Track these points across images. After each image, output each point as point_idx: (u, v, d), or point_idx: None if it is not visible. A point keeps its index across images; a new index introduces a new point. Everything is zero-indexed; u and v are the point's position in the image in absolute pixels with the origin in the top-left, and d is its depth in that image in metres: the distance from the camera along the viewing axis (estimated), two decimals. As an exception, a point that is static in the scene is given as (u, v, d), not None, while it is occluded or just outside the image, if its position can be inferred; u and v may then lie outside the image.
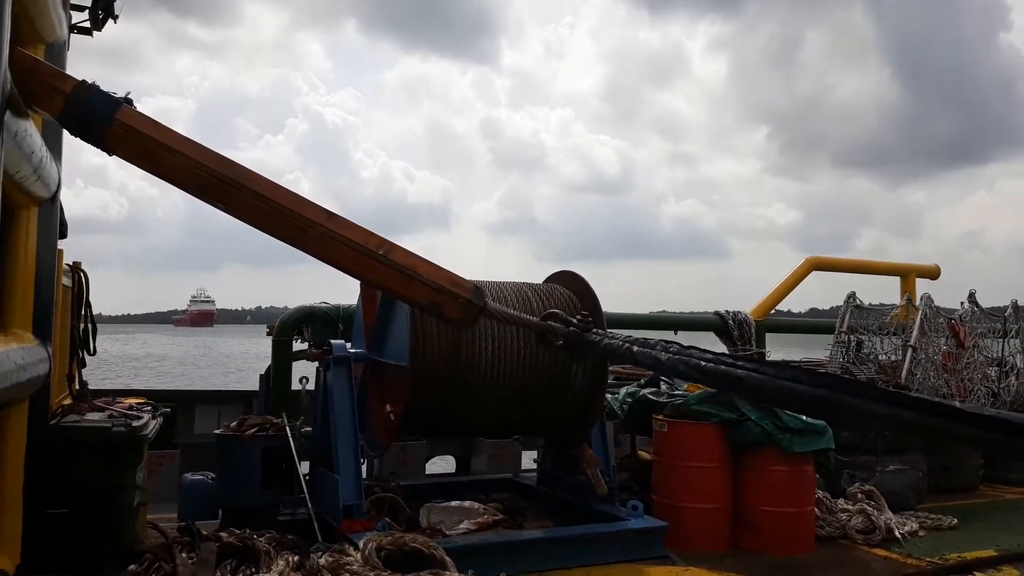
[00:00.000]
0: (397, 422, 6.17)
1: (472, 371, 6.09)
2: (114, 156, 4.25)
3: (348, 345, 6.47)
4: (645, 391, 7.63)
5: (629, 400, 7.59)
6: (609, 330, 5.18)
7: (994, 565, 5.92)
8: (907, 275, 12.60)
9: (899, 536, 6.56)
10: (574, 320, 4.81)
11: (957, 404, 4.34)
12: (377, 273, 4.51)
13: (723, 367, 4.07)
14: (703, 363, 4.11)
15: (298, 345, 8.10)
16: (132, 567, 4.52)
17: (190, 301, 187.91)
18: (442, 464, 10.12)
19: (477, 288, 4.73)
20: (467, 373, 6.08)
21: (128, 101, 4.25)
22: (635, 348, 4.47)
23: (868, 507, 6.84)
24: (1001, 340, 10.00)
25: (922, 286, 12.22)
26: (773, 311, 12.34)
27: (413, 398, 5.95)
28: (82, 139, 4.21)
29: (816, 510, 6.58)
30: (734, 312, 10.87)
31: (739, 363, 4.10)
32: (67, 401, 5.43)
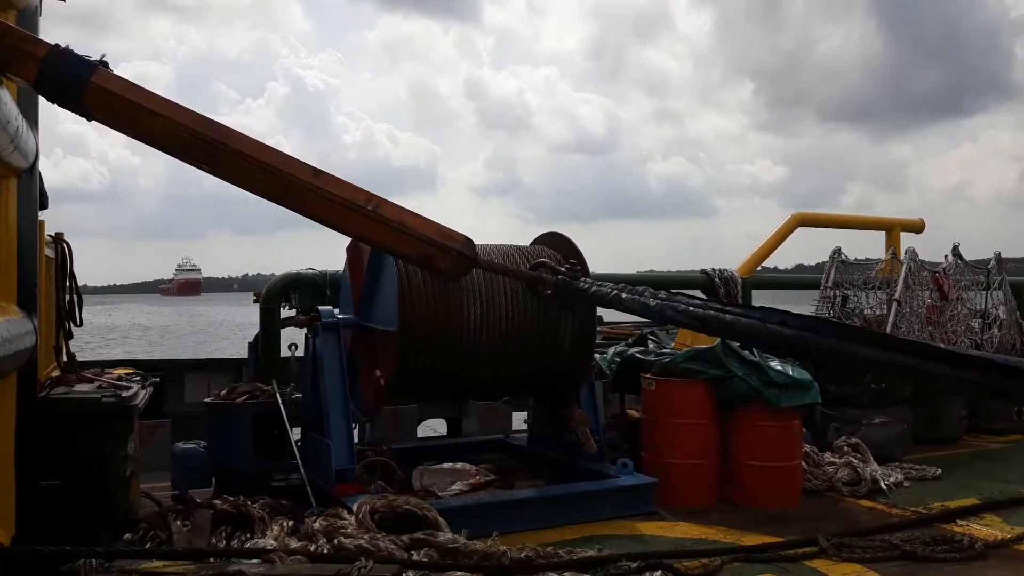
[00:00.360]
0: (387, 386, 6.19)
1: (461, 333, 6.11)
2: (93, 121, 4.20)
3: (336, 311, 6.48)
4: (633, 350, 7.68)
5: (617, 359, 7.64)
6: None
7: (976, 513, 6.06)
8: (892, 229, 12.63)
9: (884, 487, 6.68)
10: (562, 268, 4.82)
11: (943, 346, 4.40)
12: (366, 228, 4.49)
13: (712, 311, 4.10)
14: (691, 308, 4.14)
15: (285, 312, 8.08)
16: (127, 536, 4.55)
17: (176, 270, 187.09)
18: (433, 427, 10.19)
19: (468, 240, 4.72)
20: (456, 335, 6.10)
21: (104, 64, 4.17)
22: (623, 295, 4.50)
23: (854, 460, 6.96)
24: (984, 292, 10.09)
25: (907, 240, 12.26)
26: (760, 268, 12.38)
27: (402, 362, 5.98)
28: (59, 104, 4.15)
29: (803, 464, 6.69)
30: (720, 270, 10.90)
31: (727, 308, 4.14)
32: (55, 373, 5.42)
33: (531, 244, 7.07)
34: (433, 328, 6.00)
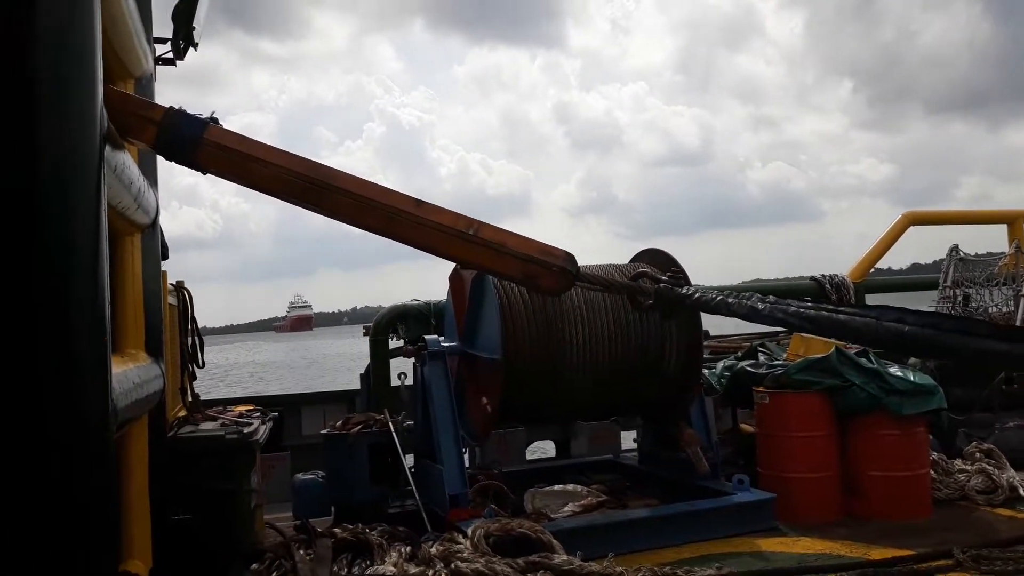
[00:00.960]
0: (494, 413, 6.26)
1: (564, 357, 6.12)
2: (208, 174, 4.45)
3: (441, 339, 6.61)
4: (743, 363, 7.50)
5: (727, 374, 7.47)
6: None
7: None
8: (1014, 221, 11.95)
9: (1024, 494, 6.28)
10: (663, 277, 4.77)
11: None
12: (469, 253, 4.58)
13: (824, 312, 3.97)
14: (802, 310, 4.02)
15: (394, 343, 8.29)
16: (254, 566, 4.73)
17: (289, 307, 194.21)
18: (543, 449, 10.20)
19: (569, 255, 4.74)
20: (559, 359, 6.12)
21: (215, 120, 4.43)
22: (730, 300, 4.40)
23: (988, 466, 6.58)
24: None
25: (1032, 232, 11.59)
26: (872, 271, 11.93)
27: (507, 389, 6.03)
28: (176, 162, 4.42)
29: (932, 472, 6.36)
30: (831, 276, 10.57)
31: (840, 308, 3.99)
32: (182, 413, 5.72)
33: (630, 262, 7.04)
34: (537, 354, 6.03)
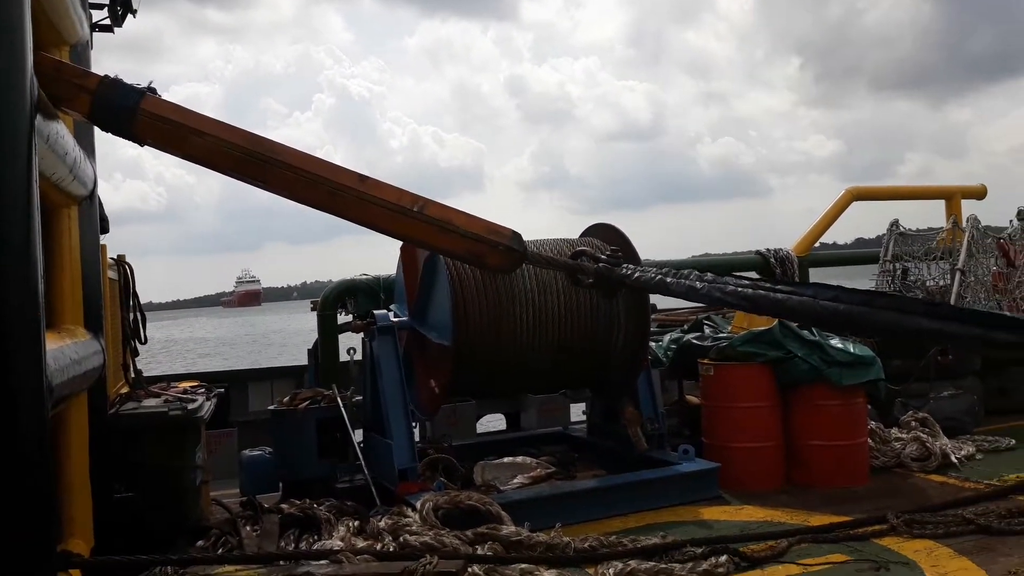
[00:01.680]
0: (442, 394, 6.31)
1: (515, 339, 6.13)
2: (146, 146, 4.34)
3: (391, 314, 6.57)
4: (689, 336, 7.62)
5: (673, 346, 7.59)
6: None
7: (1055, 483, 5.87)
8: (952, 197, 12.27)
9: (955, 461, 6.52)
10: (603, 256, 4.79)
11: (1005, 312, 4.26)
12: (414, 230, 4.55)
13: (762, 291, 4.03)
14: (739, 288, 4.07)
15: (342, 318, 8.22)
16: (200, 543, 4.70)
17: (236, 282, 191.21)
18: (492, 422, 10.26)
19: (515, 234, 4.73)
20: (510, 342, 6.13)
21: (152, 90, 4.32)
22: (668, 279, 4.43)
23: (923, 434, 6.81)
24: (1054, 255, 9.74)
25: (969, 207, 11.91)
26: (817, 245, 12.16)
27: (456, 374, 6.05)
28: (112, 133, 4.30)
29: (870, 441, 6.56)
30: (775, 250, 10.75)
31: (778, 287, 4.06)
32: (124, 390, 5.62)
33: (580, 236, 7.07)
34: (488, 338, 6.03)
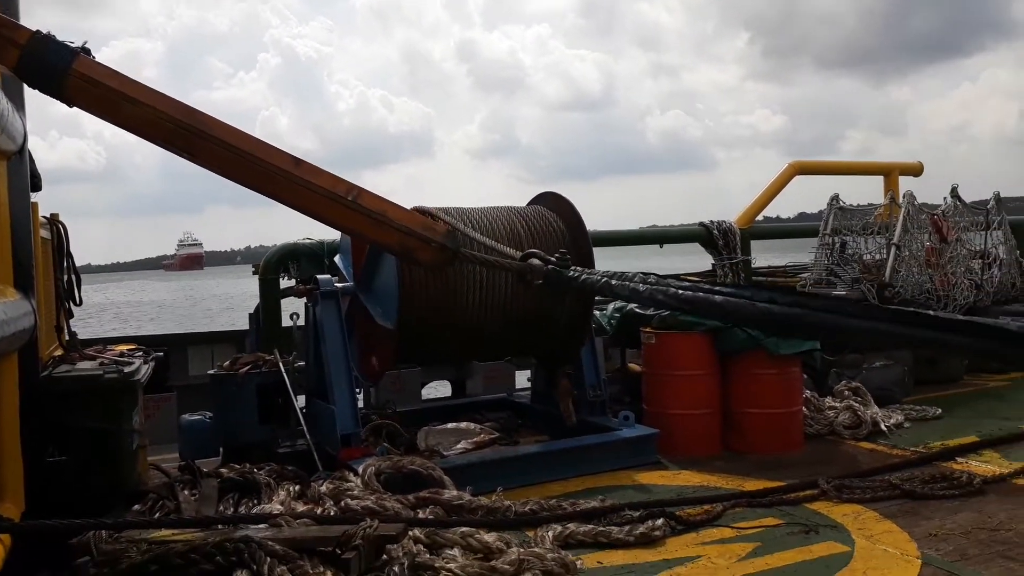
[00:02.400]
0: (382, 371, 6.38)
1: (461, 315, 6.13)
2: (75, 107, 4.21)
3: (335, 280, 6.51)
4: (632, 305, 7.70)
5: (617, 315, 7.68)
6: (588, 270, 5.16)
7: (975, 450, 6.13)
8: (890, 173, 12.60)
9: (885, 429, 6.76)
10: (552, 258, 4.83)
11: (931, 312, 4.46)
12: (347, 219, 4.53)
13: (701, 294, 4.13)
14: (680, 291, 4.17)
15: (285, 282, 8.12)
16: (136, 507, 4.63)
17: (178, 245, 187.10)
18: (438, 388, 10.29)
19: (450, 231, 4.75)
20: (456, 318, 6.13)
21: (85, 51, 4.18)
22: (613, 281, 4.52)
23: (855, 403, 7.03)
24: (984, 232, 10.08)
25: (906, 184, 12.22)
26: (761, 218, 12.37)
27: (399, 353, 6.04)
28: (40, 90, 4.16)
29: (804, 409, 6.76)
30: (718, 222, 10.89)
31: (716, 288, 4.17)
32: (58, 352, 5.47)
33: (528, 204, 7.07)
34: (433, 316, 6.01)
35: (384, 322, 6.12)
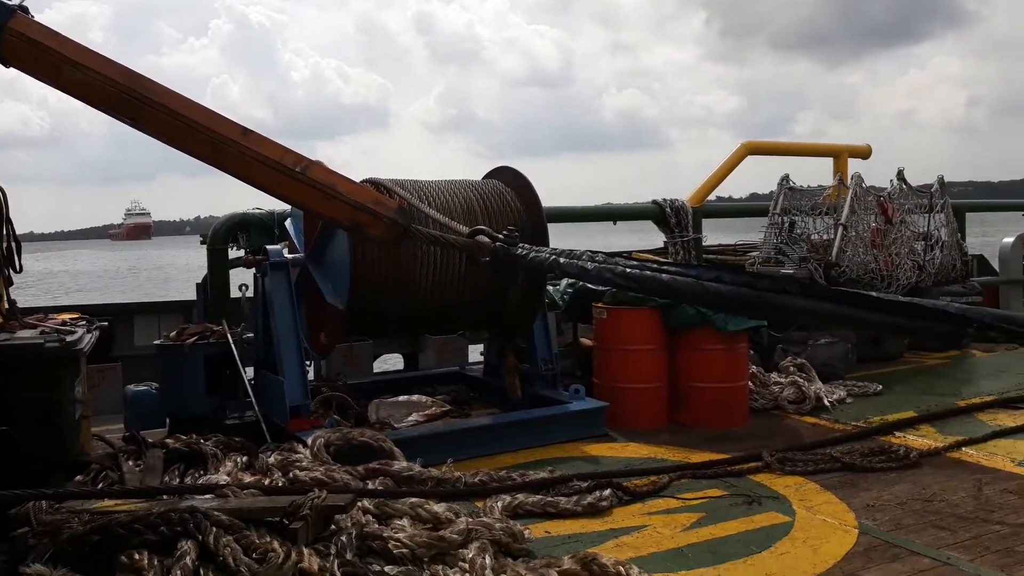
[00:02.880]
0: (330, 346, 6.38)
1: (414, 295, 6.10)
2: (11, 68, 4.07)
3: (285, 250, 6.42)
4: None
5: (569, 291, 7.72)
6: (537, 246, 5.16)
7: (913, 425, 6.33)
8: (839, 155, 12.78)
9: (828, 404, 6.93)
10: (500, 236, 4.81)
11: (874, 294, 4.58)
12: (296, 192, 4.45)
13: (649, 272, 4.17)
14: (628, 270, 4.20)
15: (234, 253, 7.98)
16: (78, 478, 4.54)
17: (125, 214, 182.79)
18: (390, 362, 10.26)
19: (401, 208, 4.69)
20: (408, 298, 6.11)
21: (23, 9, 4.04)
22: (561, 260, 4.54)
23: (799, 379, 7.19)
24: (927, 215, 10.31)
25: (854, 166, 12.43)
26: (714, 198, 12.47)
27: (350, 330, 5.99)
28: None
29: (750, 384, 6.90)
30: (671, 200, 10.96)
31: (664, 268, 4.21)
32: (-3, 320, 5.32)
33: (484, 178, 7.04)
34: (385, 294, 5.97)
35: (334, 301, 6.06)
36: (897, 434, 6.09)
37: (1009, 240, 12.79)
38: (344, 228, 4.92)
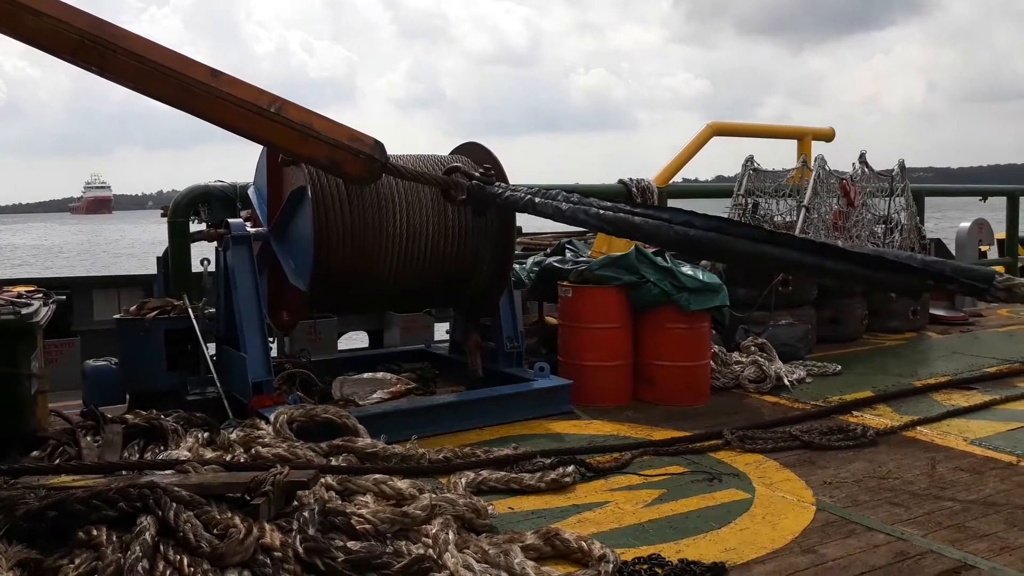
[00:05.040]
0: (293, 324, 6.36)
1: (379, 276, 6.07)
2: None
3: (248, 224, 6.33)
4: (551, 259, 7.78)
5: (536, 269, 7.74)
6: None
7: (870, 404, 6.45)
8: (803, 138, 12.90)
9: (788, 383, 7.02)
10: (476, 173, 4.77)
11: (840, 244, 4.62)
12: (271, 132, 4.32)
13: (621, 214, 4.16)
14: (602, 211, 4.19)
15: (196, 226, 7.85)
16: (35, 453, 4.47)
17: (84, 188, 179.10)
18: (355, 339, 10.21)
19: (378, 143, 4.59)
20: (373, 279, 6.07)
21: None
22: (536, 199, 4.51)
23: (760, 358, 7.28)
24: (888, 199, 10.47)
25: (818, 149, 12.56)
26: (680, 180, 12.52)
27: (313, 308, 5.95)
28: None
29: (712, 363, 6.97)
30: (638, 180, 10.98)
31: (636, 210, 4.20)
32: (-52, 292, 5.19)
33: (450, 154, 6.99)
34: (349, 275, 5.92)
35: (297, 282, 6.00)
36: (855, 413, 6.20)
37: (966, 225, 13.07)
38: (322, 167, 4.80)
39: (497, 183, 4.82)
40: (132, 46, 3.95)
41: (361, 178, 4.66)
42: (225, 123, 4.25)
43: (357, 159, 4.43)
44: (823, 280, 8.14)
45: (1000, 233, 13.98)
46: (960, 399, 6.57)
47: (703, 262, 8.51)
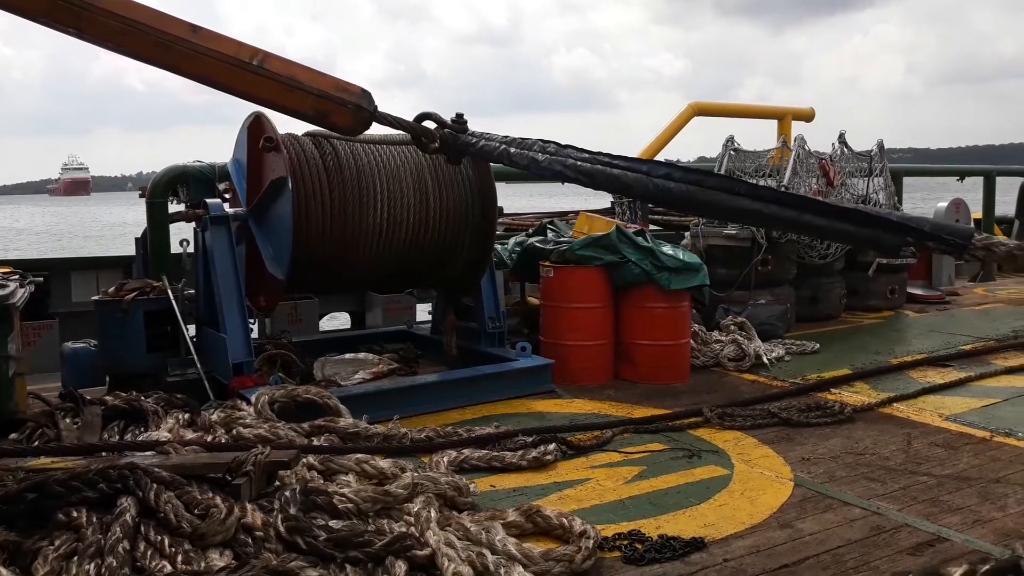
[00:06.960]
0: (271, 308, 6.37)
1: (359, 259, 6.05)
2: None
3: (227, 205, 6.28)
4: (533, 240, 7.78)
5: (518, 249, 7.74)
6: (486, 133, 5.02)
7: (848, 381, 6.52)
8: (784, 118, 12.99)
9: (767, 362, 7.09)
10: (448, 121, 4.68)
11: (820, 199, 4.59)
12: (255, 86, 4.22)
13: (600, 165, 4.10)
14: (579, 163, 4.13)
15: (175, 207, 7.78)
16: (13, 435, 4.44)
17: (62, 169, 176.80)
18: (337, 320, 10.20)
19: (365, 91, 4.52)
20: (353, 264, 6.05)
21: None
22: (512, 149, 4.39)
23: (739, 337, 7.33)
24: (867, 179, 10.54)
25: (798, 129, 12.63)
26: (662, 159, 12.56)
27: (293, 290, 5.92)
28: None
29: (692, 342, 7.02)
30: (620, 159, 11.00)
31: (615, 161, 4.14)
32: (-78, 274, 5.13)
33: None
34: (328, 262, 5.90)
35: (274, 270, 5.96)
36: (832, 390, 6.26)
37: (943, 205, 13.17)
38: (308, 119, 4.70)
39: (471, 132, 4.69)
40: (108, 5, 3.86)
41: (348, 128, 4.56)
42: (209, 79, 4.15)
43: (344, 109, 4.33)
44: (803, 234, 8.15)
45: (977, 213, 14.14)
46: (936, 376, 6.65)
47: (684, 242, 8.56)
